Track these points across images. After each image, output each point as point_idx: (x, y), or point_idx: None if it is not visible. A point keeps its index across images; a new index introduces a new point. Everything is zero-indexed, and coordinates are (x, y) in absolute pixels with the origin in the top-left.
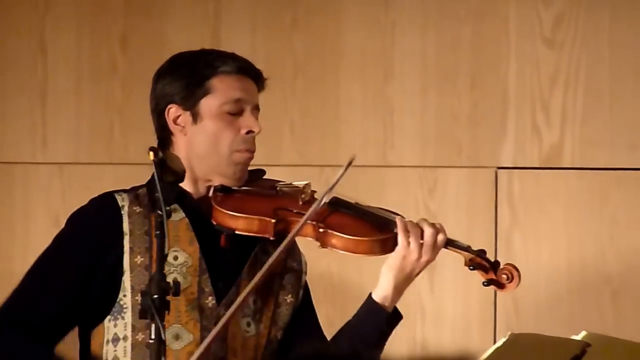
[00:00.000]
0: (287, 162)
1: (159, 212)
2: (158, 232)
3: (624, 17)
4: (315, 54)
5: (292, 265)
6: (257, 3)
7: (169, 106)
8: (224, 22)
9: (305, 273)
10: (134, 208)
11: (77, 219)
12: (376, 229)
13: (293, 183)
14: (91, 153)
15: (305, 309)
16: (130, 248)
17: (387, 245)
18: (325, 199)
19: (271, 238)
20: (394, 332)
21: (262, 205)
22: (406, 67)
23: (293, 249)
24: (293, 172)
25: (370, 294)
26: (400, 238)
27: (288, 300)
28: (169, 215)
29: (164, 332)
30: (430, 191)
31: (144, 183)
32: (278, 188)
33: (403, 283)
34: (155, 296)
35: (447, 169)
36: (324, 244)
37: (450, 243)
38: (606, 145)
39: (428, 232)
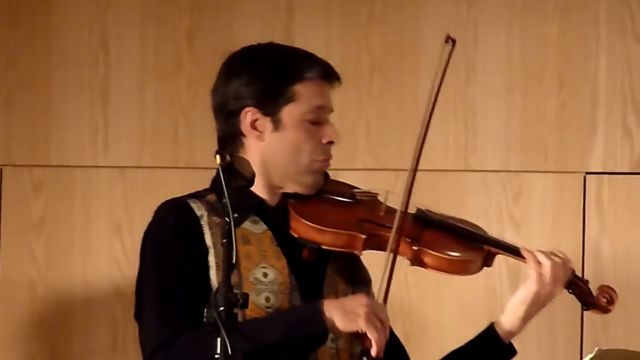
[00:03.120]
0: (362, 165)
1: (227, 219)
2: (225, 240)
3: None
4: (392, 51)
5: (360, 275)
6: None
7: (246, 109)
8: (297, 17)
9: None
10: (213, 218)
11: (160, 233)
12: (469, 247)
13: (368, 190)
14: (155, 156)
15: None
16: (217, 264)
17: (479, 264)
18: (410, 210)
19: (359, 254)
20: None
21: (345, 217)
22: (489, 66)
23: (357, 257)
24: (368, 177)
25: (492, 324)
26: (533, 272)
27: None
28: (237, 225)
29: (230, 347)
30: (514, 197)
31: (208, 187)
32: (358, 197)
33: (529, 317)
34: (222, 308)
35: (532, 174)
36: (415, 262)
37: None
38: None
39: (559, 263)
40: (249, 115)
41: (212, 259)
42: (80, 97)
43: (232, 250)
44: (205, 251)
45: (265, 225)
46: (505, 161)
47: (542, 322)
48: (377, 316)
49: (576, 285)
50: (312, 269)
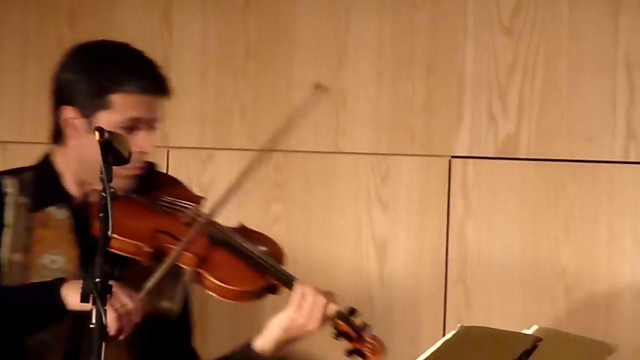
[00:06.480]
0: (237, 146)
1: (104, 194)
2: (102, 214)
3: (584, 6)
4: (268, 36)
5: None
6: None
7: (67, 107)
8: (175, 1)
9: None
10: (19, 198)
11: None
12: (252, 278)
13: (178, 202)
14: (36, 132)
15: (181, 316)
16: (11, 243)
17: (257, 295)
18: (206, 230)
19: (145, 263)
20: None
21: (143, 225)
22: (360, 52)
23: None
24: (243, 156)
25: (250, 339)
26: (294, 301)
27: (165, 306)
28: (39, 209)
29: (106, 317)
30: (382, 179)
31: (33, 165)
32: (165, 206)
33: (284, 342)
34: (97, 280)
35: (400, 156)
36: (196, 281)
37: (342, 318)
38: (563, 137)
39: (320, 302)
40: (67, 112)
41: (6, 237)
42: None
43: (108, 223)
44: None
45: (68, 213)
46: (375, 144)
47: (407, 299)
48: (118, 299)
49: (339, 330)
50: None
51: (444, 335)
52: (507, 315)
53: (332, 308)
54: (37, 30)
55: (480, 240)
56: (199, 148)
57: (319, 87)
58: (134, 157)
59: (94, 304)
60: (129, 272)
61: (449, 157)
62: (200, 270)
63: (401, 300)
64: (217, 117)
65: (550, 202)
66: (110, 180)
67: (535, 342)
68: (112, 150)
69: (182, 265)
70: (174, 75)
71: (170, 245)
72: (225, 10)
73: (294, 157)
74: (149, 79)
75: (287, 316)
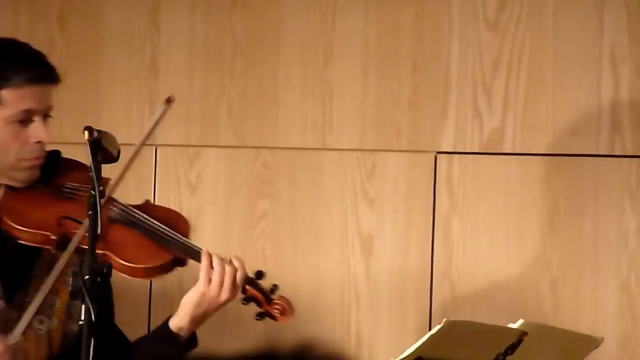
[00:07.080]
0: (224, 143)
1: (92, 192)
2: (91, 212)
3: (568, 1)
4: (254, 35)
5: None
6: None
7: None
8: (162, 1)
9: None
10: None
11: None
12: (157, 254)
13: (82, 186)
14: None
15: (101, 300)
16: None
17: (167, 270)
18: (107, 210)
19: (53, 251)
20: (324, 320)
21: (47, 214)
22: (346, 49)
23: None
24: (229, 154)
25: (167, 318)
26: (202, 274)
27: None
28: None
29: (94, 313)
30: (368, 175)
31: None
32: (68, 192)
33: (200, 317)
34: (87, 277)
35: (386, 152)
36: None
37: (249, 282)
38: (548, 131)
39: (228, 271)
40: None
41: None
42: None
43: (97, 221)
44: None
45: None
46: (360, 140)
47: (393, 294)
48: None
49: (247, 295)
50: (23, 258)
51: (429, 329)
52: (492, 309)
53: (241, 275)
54: (28, 31)
55: (465, 235)
56: (186, 145)
57: (169, 101)
58: (32, 148)
59: (82, 301)
60: (42, 263)
61: (435, 153)
62: (106, 252)
63: (387, 295)
64: (204, 115)
65: (535, 196)
66: (99, 178)
67: (520, 336)
68: (101, 149)
69: None
70: (162, 74)
71: (75, 231)
72: (213, 10)
73: (281, 153)
74: (36, 70)
75: (198, 290)
